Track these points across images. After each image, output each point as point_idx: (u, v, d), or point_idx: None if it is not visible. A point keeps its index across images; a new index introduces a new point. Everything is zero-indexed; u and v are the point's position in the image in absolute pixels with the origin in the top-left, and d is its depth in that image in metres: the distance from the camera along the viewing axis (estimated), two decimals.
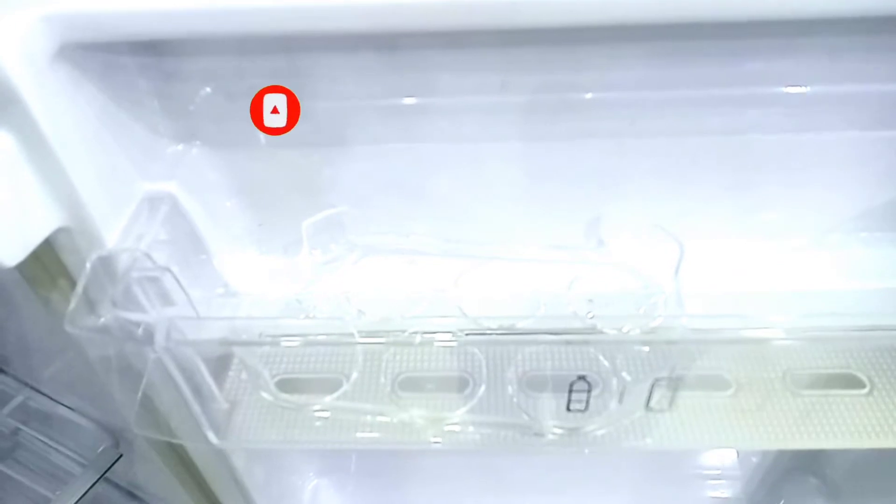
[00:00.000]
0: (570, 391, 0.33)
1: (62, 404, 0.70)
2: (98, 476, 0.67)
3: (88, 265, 0.33)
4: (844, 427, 0.35)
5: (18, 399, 0.72)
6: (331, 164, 0.40)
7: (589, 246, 0.42)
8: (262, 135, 0.39)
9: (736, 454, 0.69)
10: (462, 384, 0.37)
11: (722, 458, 0.68)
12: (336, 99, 0.39)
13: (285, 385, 0.38)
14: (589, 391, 0.33)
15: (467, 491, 0.71)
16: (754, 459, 0.67)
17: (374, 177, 0.41)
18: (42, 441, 0.71)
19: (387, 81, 0.38)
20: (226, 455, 0.51)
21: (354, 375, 0.37)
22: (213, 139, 0.39)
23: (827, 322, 0.35)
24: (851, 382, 0.37)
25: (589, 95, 0.38)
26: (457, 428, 0.35)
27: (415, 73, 0.37)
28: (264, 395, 0.36)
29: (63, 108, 0.31)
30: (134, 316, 0.31)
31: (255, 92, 0.36)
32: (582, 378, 0.33)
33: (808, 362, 0.37)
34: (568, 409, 0.34)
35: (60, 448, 0.70)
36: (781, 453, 0.66)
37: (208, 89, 0.37)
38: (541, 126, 0.40)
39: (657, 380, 0.32)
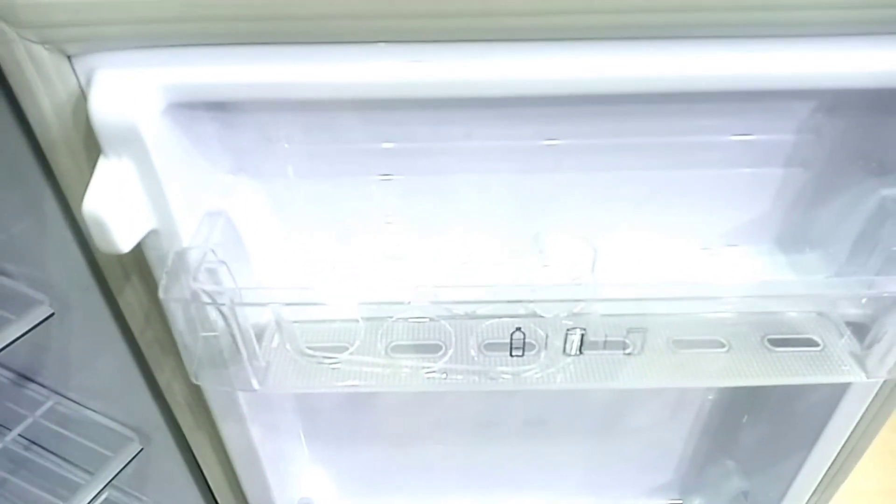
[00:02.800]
0: (511, 340, 0.47)
1: (88, 408, 0.81)
2: (122, 466, 0.77)
3: (172, 255, 0.46)
4: (708, 373, 0.49)
5: (48, 404, 0.82)
6: (340, 190, 0.55)
7: (532, 253, 0.57)
8: (290, 168, 0.53)
9: (666, 447, 0.82)
10: (437, 349, 0.51)
11: (656, 449, 0.81)
12: (342, 143, 0.53)
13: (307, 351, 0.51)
14: (524, 339, 0.47)
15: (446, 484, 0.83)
16: (680, 447, 0.80)
17: (371, 202, 0.56)
18: (70, 438, 0.81)
19: (378, 131, 0.53)
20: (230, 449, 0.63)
21: (357, 343, 0.51)
22: (256, 172, 0.53)
23: (699, 306, 0.51)
24: (714, 344, 0.51)
25: (532, 143, 0.54)
26: (434, 375, 0.49)
27: (395, 126, 0.52)
28: (289, 348, 0.49)
29: (163, 145, 0.45)
30: (210, 287, 0.45)
31: (290, 136, 0.51)
32: (518, 329, 0.47)
33: (685, 332, 0.52)
34: (511, 354, 0.48)
35: (88, 443, 0.80)
36: (702, 441, 0.80)
37: (253, 135, 0.52)
38: (498, 164, 0.55)
39: (568, 329, 0.46)
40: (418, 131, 0.52)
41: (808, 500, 0.72)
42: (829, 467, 0.68)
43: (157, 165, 0.44)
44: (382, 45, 0.41)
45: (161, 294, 0.44)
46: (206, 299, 0.44)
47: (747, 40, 0.41)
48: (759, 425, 0.72)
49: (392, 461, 0.82)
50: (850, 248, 0.54)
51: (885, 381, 0.58)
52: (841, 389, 0.58)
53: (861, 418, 0.61)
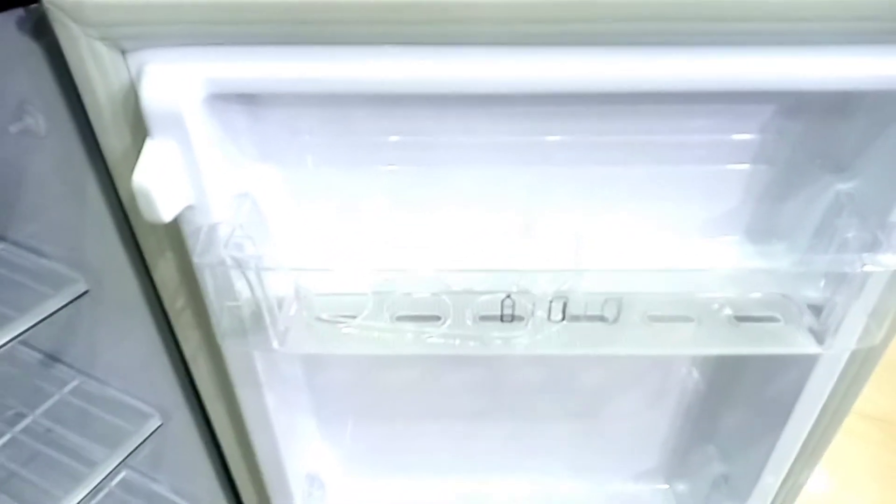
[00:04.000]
0: (502, 306, 0.53)
1: (112, 386, 0.86)
2: (141, 441, 0.82)
3: (205, 228, 0.53)
4: (678, 342, 0.55)
5: (74, 383, 0.88)
6: (353, 178, 0.61)
7: (523, 237, 0.63)
8: (310, 157, 0.60)
9: (650, 433, 0.87)
10: (437, 319, 0.57)
11: (640, 434, 0.86)
12: (355, 135, 0.60)
13: (321, 318, 0.57)
14: (514, 305, 0.53)
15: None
16: (663, 433, 0.85)
17: (379, 188, 0.62)
18: (93, 416, 0.87)
19: (387, 125, 0.59)
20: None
21: (366, 312, 0.57)
22: (279, 160, 0.60)
23: (672, 284, 0.57)
24: (684, 319, 0.57)
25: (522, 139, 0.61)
26: (434, 340, 0.55)
27: (402, 121, 0.58)
28: (305, 315, 0.56)
29: (202, 131, 0.51)
30: (238, 254, 0.51)
31: (310, 129, 0.58)
32: (508, 296, 0.53)
33: (658, 308, 0.58)
34: (501, 319, 0.54)
35: (110, 420, 0.85)
36: (684, 428, 0.85)
37: (278, 127, 0.59)
38: (494, 157, 0.61)
39: (553, 297, 0.52)
40: (422, 126, 0.59)
41: (783, 481, 0.77)
42: (801, 448, 0.73)
43: (196, 148, 0.51)
44: (391, 46, 0.48)
45: (195, 259, 0.50)
46: (232, 264, 0.50)
47: (718, 47, 0.47)
48: (735, 409, 0.78)
49: (393, 442, 0.87)
50: (811, 238, 0.60)
51: (848, 360, 0.63)
52: (807, 369, 0.63)
53: (828, 398, 0.67)
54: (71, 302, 0.71)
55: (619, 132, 0.59)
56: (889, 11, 0.45)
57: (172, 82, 0.48)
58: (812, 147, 0.59)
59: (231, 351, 0.60)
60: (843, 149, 0.58)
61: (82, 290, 0.71)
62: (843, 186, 0.57)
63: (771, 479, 0.76)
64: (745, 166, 0.61)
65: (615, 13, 0.45)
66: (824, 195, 0.59)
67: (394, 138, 0.60)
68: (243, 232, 0.54)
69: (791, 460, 0.73)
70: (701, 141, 0.59)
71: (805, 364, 0.64)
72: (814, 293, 0.59)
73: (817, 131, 0.58)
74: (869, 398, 1.29)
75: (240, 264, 0.50)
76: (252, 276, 0.51)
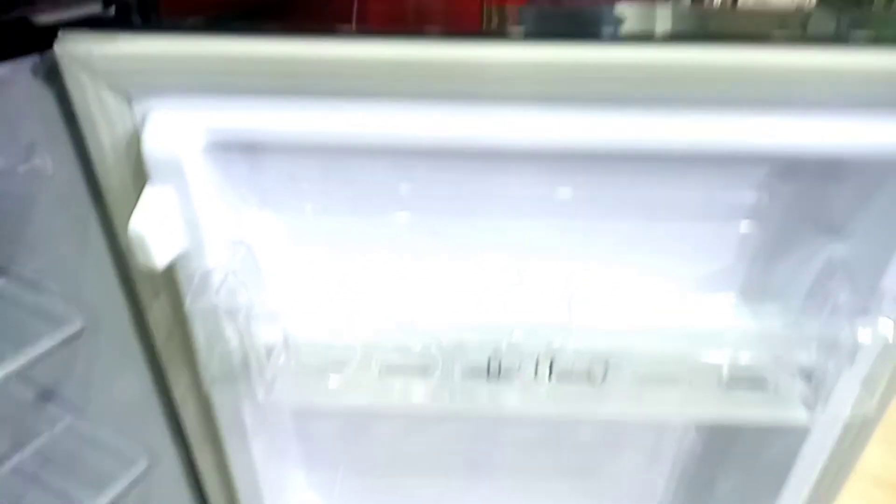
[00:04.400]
0: (488, 364, 0.53)
1: (102, 426, 0.85)
2: (128, 483, 0.81)
3: (198, 274, 0.53)
4: (668, 404, 0.55)
5: (65, 422, 0.87)
6: (350, 228, 0.62)
7: (515, 291, 0.64)
8: (308, 205, 0.61)
9: (645, 497, 0.85)
10: (425, 372, 0.57)
11: (635, 499, 0.84)
12: (354, 185, 0.61)
13: (308, 369, 0.57)
14: (501, 364, 0.53)
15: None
16: (659, 495, 0.83)
17: (376, 237, 0.63)
18: (82, 456, 0.86)
19: (385, 176, 0.60)
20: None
21: (354, 363, 0.56)
22: (278, 207, 0.61)
23: (662, 345, 0.56)
24: (675, 383, 0.57)
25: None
26: (421, 396, 0.54)
27: (400, 171, 0.60)
28: (293, 364, 0.55)
29: (201, 179, 0.52)
30: (230, 301, 0.51)
31: (310, 177, 0.59)
32: (497, 357, 0.53)
33: (648, 368, 0.57)
34: (487, 374, 0.53)
35: (98, 461, 0.84)
36: (678, 492, 0.83)
37: (278, 175, 0.60)
38: (491, 209, 0.62)
39: (539, 355, 0.52)
40: (419, 178, 0.60)
41: None
42: None
43: (195, 195, 0.52)
44: (390, 101, 0.49)
45: (187, 304, 0.51)
46: (224, 313, 0.50)
47: (713, 111, 0.48)
48: (730, 474, 0.76)
49: (383, 495, 0.85)
50: (804, 300, 0.59)
51: (844, 428, 0.62)
52: (801, 435, 0.62)
53: (825, 465, 0.65)
54: (66, 340, 0.71)
55: (613, 188, 0.60)
56: (880, 80, 0.46)
57: (174, 130, 0.50)
58: (805, 208, 0.59)
59: (219, 397, 0.60)
60: (835, 211, 0.58)
61: (78, 329, 0.71)
62: (836, 249, 0.57)
63: None
64: (739, 225, 0.61)
65: (612, 75, 0.46)
66: (817, 257, 0.59)
67: (391, 189, 0.61)
68: (237, 279, 0.55)
69: None
70: (695, 199, 0.60)
71: (798, 430, 0.63)
72: (805, 358, 0.58)
73: (810, 193, 0.59)
74: (885, 464, 1.24)
75: (230, 312, 0.50)
76: (242, 323, 0.52)
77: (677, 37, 0.47)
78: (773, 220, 0.60)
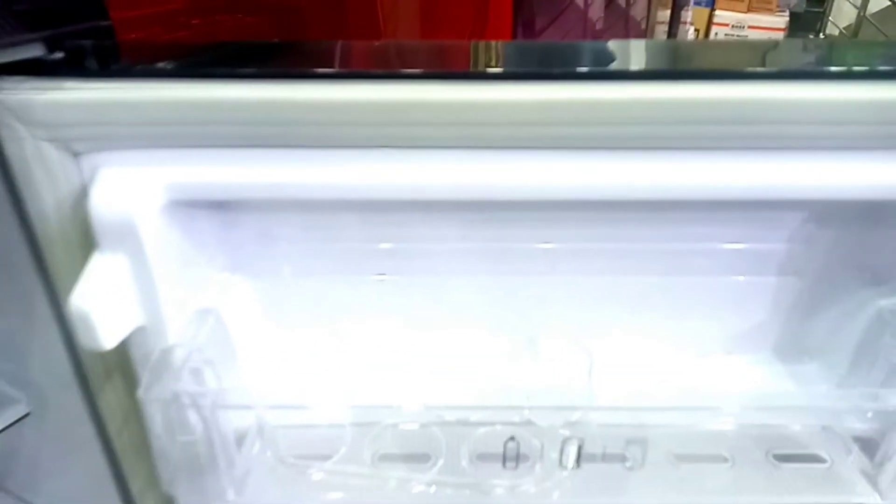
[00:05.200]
0: (505, 449, 0.45)
1: None
2: None
3: (156, 353, 0.45)
4: (712, 490, 0.47)
5: None
6: (335, 290, 0.54)
7: (527, 357, 0.56)
8: (286, 266, 0.54)
9: None
10: (427, 458, 0.48)
11: None
12: (338, 242, 0.54)
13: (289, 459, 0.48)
14: (518, 449, 0.45)
15: None
16: None
17: (365, 301, 0.55)
18: None
19: (374, 231, 0.53)
20: None
21: (343, 450, 0.48)
22: (251, 270, 0.53)
23: (700, 418, 0.49)
24: (718, 460, 0.49)
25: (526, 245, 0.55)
26: (422, 488, 0.46)
27: (391, 226, 0.53)
28: (272, 459, 0.47)
29: (160, 242, 0.45)
30: (191, 387, 0.43)
31: (288, 236, 0.52)
32: (512, 438, 0.45)
33: (686, 445, 0.49)
34: (504, 465, 0.45)
35: None
36: None
37: (251, 233, 0.52)
38: (493, 266, 0.55)
39: (565, 440, 0.44)
40: (414, 232, 0.53)
41: None
42: None
43: (152, 262, 0.44)
44: (376, 150, 0.43)
45: (140, 393, 0.43)
46: (186, 400, 0.42)
47: (737, 152, 0.43)
48: None
49: None
50: (851, 359, 0.53)
51: None
52: None
53: None
54: (11, 425, 0.63)
55: (631, 239, 0.54)
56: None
57: (128, 188, 0.43)
58: (845, 257, 0.53)
59: (182, 497, 0.51)
60: (881, 259, 0.52)
61: (23, 413, 0.62)
62: (886, 303, 0.51)
63: None
64: (771, 278, 0.55)
65: (625, 116, 0.40)
66: (864, 311, 0.52)
67: (382, 246, 0.54)
68: (203, 355, 0.47)
69: None
70: (723, 250, 0.53)
71: None
72: (860, 424, 0.51)
73: (851, 240, 0.52)
74: None
75: (193, 400, 0.42)
76: (207, 410, 0.43)
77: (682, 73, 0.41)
78: (810, 270, 0.54)
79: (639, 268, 0.54)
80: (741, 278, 0.54)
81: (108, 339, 0.42)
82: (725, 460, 0.49)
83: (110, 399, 0.52)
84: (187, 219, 0.48)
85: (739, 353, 0.58)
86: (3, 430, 0.63)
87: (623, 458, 0.48)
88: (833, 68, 0.43)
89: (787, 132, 0.41)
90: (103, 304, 0.41)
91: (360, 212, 0.52)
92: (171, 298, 0.46)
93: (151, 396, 0.42)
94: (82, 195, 0.44)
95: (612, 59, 0.51)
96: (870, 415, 0.50)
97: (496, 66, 0.50)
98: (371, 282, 0.54)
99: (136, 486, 0.56)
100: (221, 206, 0.51)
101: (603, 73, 0.42)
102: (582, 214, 0.52)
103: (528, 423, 0.50)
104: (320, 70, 0.43)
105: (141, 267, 0.44)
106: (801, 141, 0.42)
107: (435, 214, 0.52)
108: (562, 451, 0.45)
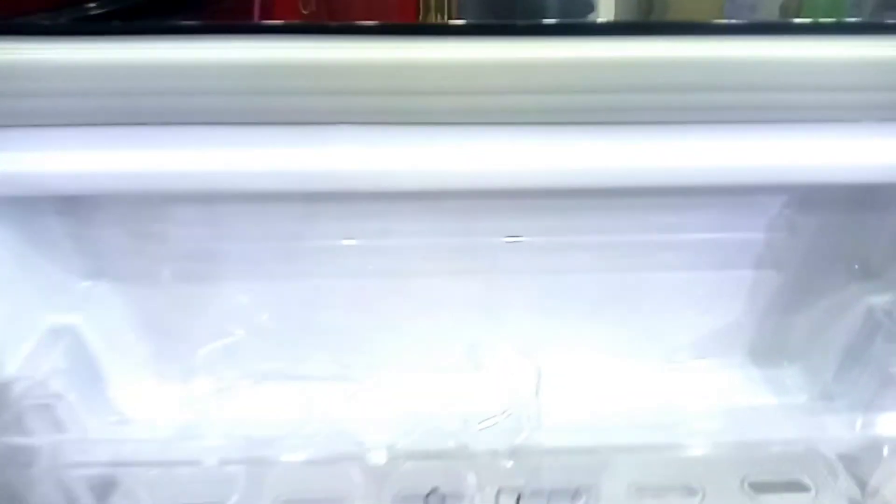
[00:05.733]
0: (427, 501, 0.37)
1: None
2: None
3: None
4: None
5: None
6: (229, 297, 0.45)
7: (466, 369, 0.47)
8: (165, 269, 0.44)
9: None
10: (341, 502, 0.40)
11: None
12: (235, 240, 0.44)
13: None
14: (444, 500, 0.37)
15: None
16: None
17: (270, 309, 0.46)
18: None
19: (283, 227, 0.44)
20: None
21: (235, 498, 0.39)
22: (119, 275, 0.43)
23: (667, 440, 0.41)
24: (686, 492, 0.42)
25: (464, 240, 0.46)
26: None
27: (306, 221, 0.43)
28: None
29: None
30: (18, 440, 0.33)
31: (164, 234, 0.42)
32: (435, 490, 0.36)
33: (649, 474, 0.42)
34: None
35: None
36: None
37: (117, 231, 0.42)
38: (423, 264, 0.46)
39: (500, 489, 0.36)
40: (322, 227, 0.43)
41: None
42: None
43: None
44: (285, 126, 0.33)
45: None
46: (11, 455, 0.32)
47: (709, 126, 0.34)
48: None
49: None
50: (837, 365, 0.46)
51: None
52: None
53: None
54: None
55: (590, 231, 0.45)
56: None
57: None
58: (832, 247, 0.46)
59: None
60: (873, 250, 0.45)
61: None
62: (878, 300, 0.44)
63: None
64: (747, 271, 0.47)
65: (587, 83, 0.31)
66: (852, 309, 0.45)
67: (283, 243, 0.44)
68: (50, 388, 0.37)
69: None
70: (691, 241, 0.45)
71: None
72: (848, 439, 0.44)
73: (838, 227, 0.45)
74: None
75: (22, 458, 0.32)
76: (50, 462, 0.34)
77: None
78: (791, 263, 0.46)
79: (595, 264, 0.46)
80: (713, 273, 0.47)
81: None
82: (695, 493, 0.41)
83: None
84: (26, 216, 0.38)
85: (711, 358, 0.51)
86: None
87: (575, 495, 0.40)
88: (822, 20, 0.35)
89: (765, 100, 0.33)
90: None
91: (253, 202, 0.42)
92: (8, 318, 0.36)
93: None
94: None
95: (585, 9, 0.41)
96: (859, 423, 0.43)
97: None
98: (272, 284, 0.45)
99: None
100: (75, 200, 0.40)
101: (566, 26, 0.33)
102: (532, 202, 0.43)
103: (465, 449, 0.42)
104: (206, 23, 0.33)
105: None
106: (783, 112, 0.34)
107: (346, 204, 0.42)
108: (497, 498, 0.37)
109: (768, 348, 0.50)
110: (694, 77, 0.32)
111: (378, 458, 0.41)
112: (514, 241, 0.46)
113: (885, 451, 0.41)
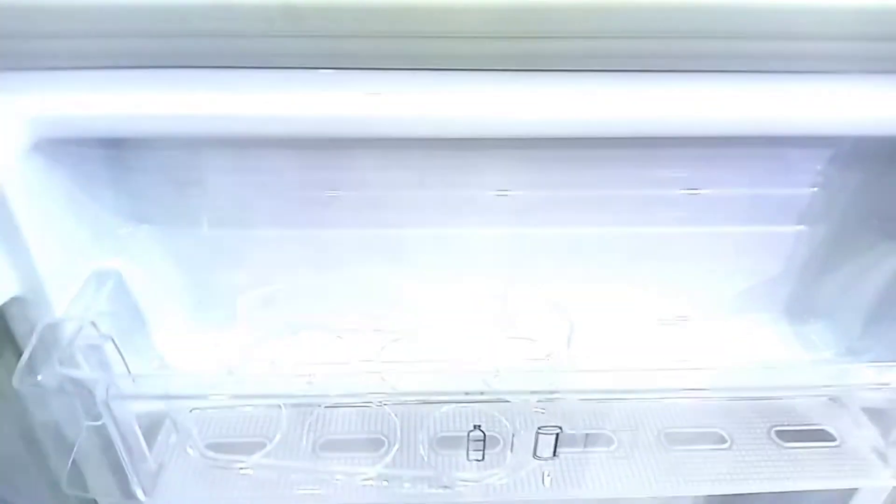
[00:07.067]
0: (468, 441, 0.38)
1: None
2: None
3: (38, 329, 0.36)
4: (706, 475, 0.41)
5: None
6: (268, 246, 0.45)
7: (497, 321, 0.48)
8: (204, 217, 0.44)
9: None
10: (378, 445, 0.41)
11: None
12: (274, 189, 0.45)
13: (213, 449, 0.41)
14: (484, 440, 0.38)
15: None
16: None
17: (308, 259, 0.46)
18: None
19: (317, 174, 0.44)
20: None
21: (277, 437, 0.41)
22: (161, 221, 0.44)
23: (697, 386, 0.42)
24: (715, 440, 0.43)
25: (498, 193, 0.46)
26: (372, 483, 0.39)
27: (342, 171, 0.44)
28: (191, 451, 0.39)
29: (33, 191, 0.35)
30: (77, 373, 0.34)
31: (201, 180, 0.42)
32: (477, 427, 0.38)
33: (678, 422, 0.43)
34: (467, 458, 0.38)
35: None
36: None
37: (159, 178, 0.43)
38: (457, 218, 0.47)
39: (539, 428, 0.37)
40: (363, 177, 0.44)
41: None
42: None
43: (21, 218, 0.35)
44: (322, 71, 0.33)
45: (15, 382, 0.34)
46: (71, 389, 0.34)
47: (741, 75, 0.34)
48: None
49: None
50: (864, 322, 0.46)
51: None
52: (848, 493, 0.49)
53: None
54: None
55: (620, 185, 0.45)
56: None
57: None
58: (865, 205, 0.46)
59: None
60: None
61: None
62: None
63: None
64: (779, 228, 0.47)
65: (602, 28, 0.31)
66: (881, 266, 0.45)
67: (328, 193, 0.44)
68: (100, 329, 0.38)
69: None
70: (727, 196, 0.46)
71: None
72: (871, 393, 0.45)
73: (872, 184, 0.45)
74: None
75: (82, 389, 0.34)
76: (106, 395, 0.35)
77: None
78: (823, 220, 0.47)
79: (629, 217, 0.46)
80: (744, 229, 0.47)
81: None
82: (723, 441, 0.43)
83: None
84: (75, 160, 0.38)
85: (743, 314, 0.51)
86: None
87: (609, 442, 0.41)
88: None
89: (788, 49, 0.33)
90: None
91: (290, 149, 0.42)
92: (56, 260, 0.37)
93: (29, 385, 0.34)
94: None
95: None
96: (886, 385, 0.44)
97: None
98: (307, 234, 0.45)
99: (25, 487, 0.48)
100: (119, 145, 0.41)
101: None
102: (564, 153, 0.43)
103: (498, 399, 0.43)
104: None
105: (6, 224, 0.34)
106: (812, 62, 0.34)
107: (386, 154, 0.42)
108: (536, 441, 0.38)
109: (799, 305, 0.50)
110: (708, 24, 0.32)
111: (414, 402, 0.42)
112: (546, 194, 0.46)
113: None
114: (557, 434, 0.37)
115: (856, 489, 0.48)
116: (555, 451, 0.38)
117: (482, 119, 0.35)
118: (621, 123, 0.36)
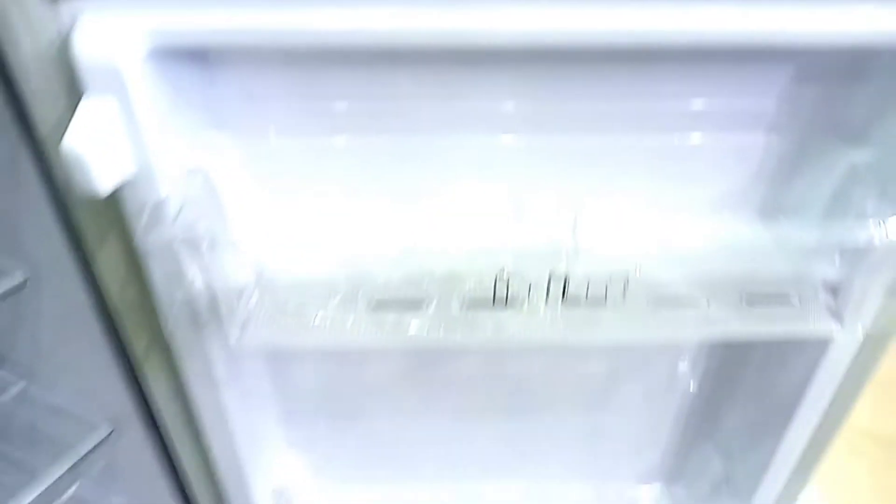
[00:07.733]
0: (494, 286, 0.47)
1: (56, 392, 0.78)
2: (87, 451, 0.74)
3: (152, 203, 0.46)
4: (685, 325, 0.50)
5: (16, 389, 0.80)
6: (322, 151, 0.55)
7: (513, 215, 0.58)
8: (272, 126, 0.53)
9: (650, 432, 0.82)
10: (419, 304, 0.51)
11: (640, 434, 0.81)
12: (325, 100, 0.54)
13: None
14: (508, 286, 0.47)
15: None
16: (664, 432, 0.80)
17: (357, 160, 0.56)
18: (38, 424, 0.78)
19: (361, 90, 0.53)
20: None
21: (338, 298, 0.50)
22: (237, 128, 0.53)
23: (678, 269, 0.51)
24: (694, 301, 0.52)
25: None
26: (415, 331, 0.49)
27: (377, 86, 0.52)
28: (268, 303, 0.49)
29: (145, 92, 0.44)
30: (189, 233, 0.44)
31: (272, 94, 0.52)
32: (500, 276, 0.47)
33: (665, 289, 0.52)
34: (493, 303, 0.48)
35: (56, 430, 0.77)
36: (686, 425, 0.80)
37: (236, 91, 0.52)
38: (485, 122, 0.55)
39: (551, 272, 0.47)
40: (401, 91, 0.53)
41: (787, 482, 0.73)
42: (807, 445, 0.68)
43: (139, 111, 0.44)
44: None
45: (138, 239, 0.43)
46: (183, 242, 0.43)
47: None
48: (738, 406, 0.73)
49: (371, 447, 0.80)
50: (823, 214, 0.55)
51: (859, 350, 0.59)
52: (818, 355, 0.59)
53: (838, 388, 0.62)
54: (6, 294, 0.63)
55: (617, 98, 0.54)
56: None
57: (110, 34, 0.42)
58: (825, 115, 0.54)
59: (184, 347, 0.53)
60: (857, 116, 0.53)
61: (20, 281, 0.63)
62: (859, 157, 0.52)
63: (774, 479, 0.71)
64: (753, 136, 0.56)
65: None
66: (837, 167, 0.54)
67: (369, 104, 0.53)
68: (195, 211, 0.48)
69: (795, 460, 0.69)
70: (708, 109, 0.54)
71: (816, 350, 0.59)
72: (830, 271, 0.54)
73: (830, 97, 0.53)
74: (874, 416, 1.27)
75: (191, 243, 0.43)
76: (205, 256, 0.45)
77: None
78: (791, 129, 0.55)
79: (623, 127, 0.55)
80: (726, 136, 0.55)
81: (102, 183, 0.42)
82: (701, 303, 0.52)
83: (107, 261, 0.53)
84: (172, 72, 0.47)
85: (721, 213, 0.60)
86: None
87: (606, 300, 0.50)
88: None
89: None
90: (96, 147, 0.41)
91: (344, 67, 0.51)
92: (161, 151, 0.46)
93: (149, 241, 0.43)
94: (63, 44, 0.43)
95: None
96: (838, 259, 0.53)
97: None
98: (358, 142, 0.55)
99: (139, 346, 0.58)
100: (205, 59, 0.50)
101: None
102: (567, 70, 0.52)
103: (516, 273, 0.52)
104: None
105: (129, 115, 0.43)
106: None
107: (423, 70, 0.51)
108: (548, 291, 0.47)
109: (770, 205, 0.59)
110: None
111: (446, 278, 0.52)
112: (553, 107, 0.55)
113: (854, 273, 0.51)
114: (565, 283, 0.47)
115: (826, 350, 0.57)
116: (563, 298, 0.47)
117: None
118: (604, 34, 0.43)
